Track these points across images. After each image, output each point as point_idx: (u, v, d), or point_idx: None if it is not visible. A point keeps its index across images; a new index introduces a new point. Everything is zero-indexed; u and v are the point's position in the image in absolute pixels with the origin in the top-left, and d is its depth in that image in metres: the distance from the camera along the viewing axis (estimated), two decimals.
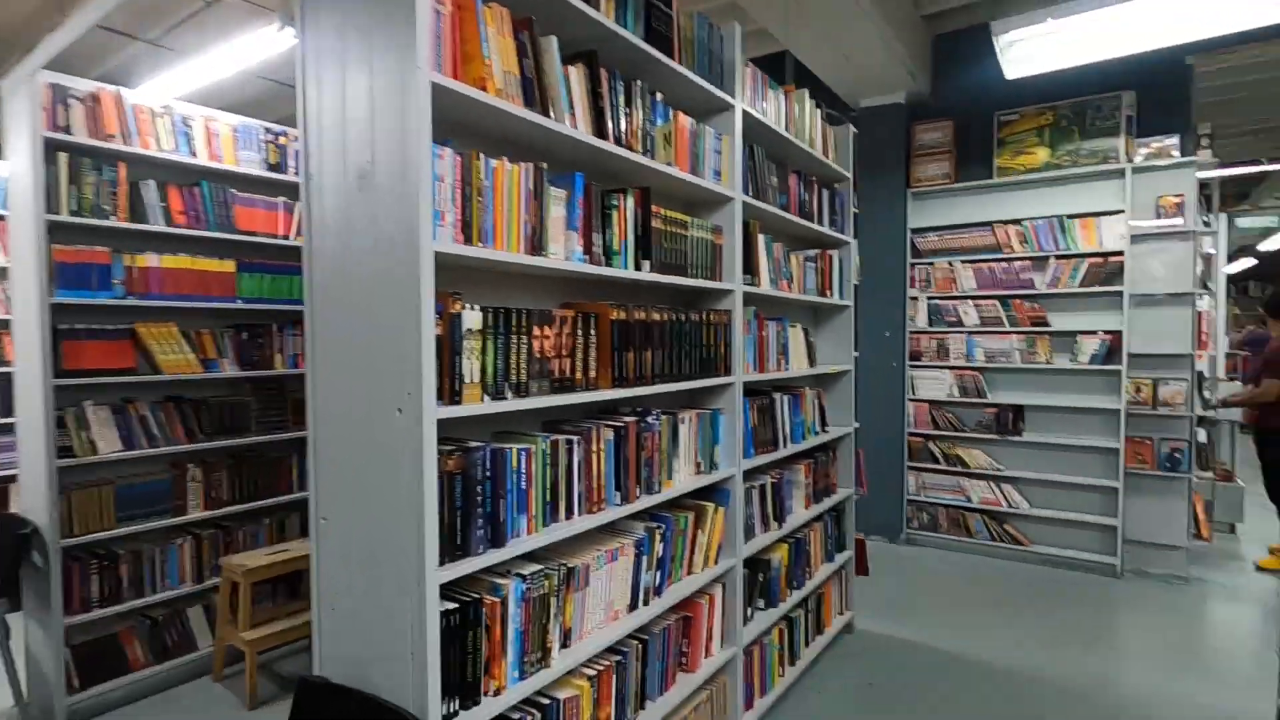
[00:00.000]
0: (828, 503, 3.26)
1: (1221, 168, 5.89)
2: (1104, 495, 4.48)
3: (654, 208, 2.05)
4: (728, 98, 2.42)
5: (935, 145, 4.78)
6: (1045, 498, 4.65)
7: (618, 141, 1.91)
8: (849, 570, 3.57)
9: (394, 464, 1.44)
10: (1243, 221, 8.64)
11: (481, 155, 1.53)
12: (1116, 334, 4.33)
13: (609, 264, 1.89)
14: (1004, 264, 4.64)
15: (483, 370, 1.54)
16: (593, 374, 1.85)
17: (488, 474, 1.54)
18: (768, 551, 2.75)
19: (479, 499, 1.52)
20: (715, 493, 2.42)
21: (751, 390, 2.77)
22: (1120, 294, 4.32)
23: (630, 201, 1.94)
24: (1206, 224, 4.25)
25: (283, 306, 3.25)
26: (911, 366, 4.96)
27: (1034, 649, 3.32)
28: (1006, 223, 4.64)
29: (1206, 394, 4.75)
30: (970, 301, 4.76)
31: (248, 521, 3.23)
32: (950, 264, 4.80)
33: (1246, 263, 11.88)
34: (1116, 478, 4.38)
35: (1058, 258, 4.48)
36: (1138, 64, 4.26)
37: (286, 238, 3.26)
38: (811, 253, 3.17)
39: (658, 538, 2.08)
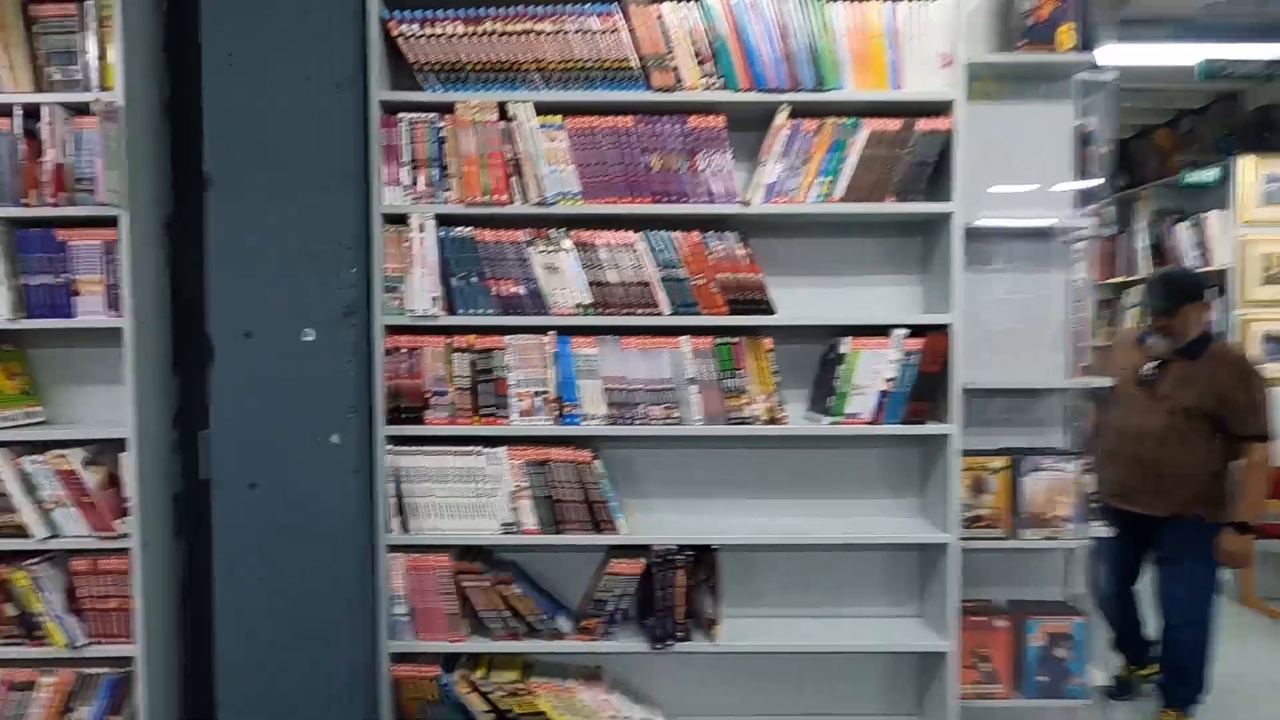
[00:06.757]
0: None
1: None
2: None
3: None
4: None
5: None
6: None
7: None
8: None
9: None
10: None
11: None
12: (938, 334, 1.56)
13: None
14: (657, 124, 1.54)
15: None
16: None
17: None
18: None
19: None
20: None
21: None
22: (946, 221, 1.56)
23: None
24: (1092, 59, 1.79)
25: None
26: (395, 441, 1.54)
27: None
28: None
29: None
30: (566, 234, 1.55)
31: None
32: (506, 111, 1.53)
33: None
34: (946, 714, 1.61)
35: (794, 114, 1.54)
36: None
37: None
38: None
39: None
